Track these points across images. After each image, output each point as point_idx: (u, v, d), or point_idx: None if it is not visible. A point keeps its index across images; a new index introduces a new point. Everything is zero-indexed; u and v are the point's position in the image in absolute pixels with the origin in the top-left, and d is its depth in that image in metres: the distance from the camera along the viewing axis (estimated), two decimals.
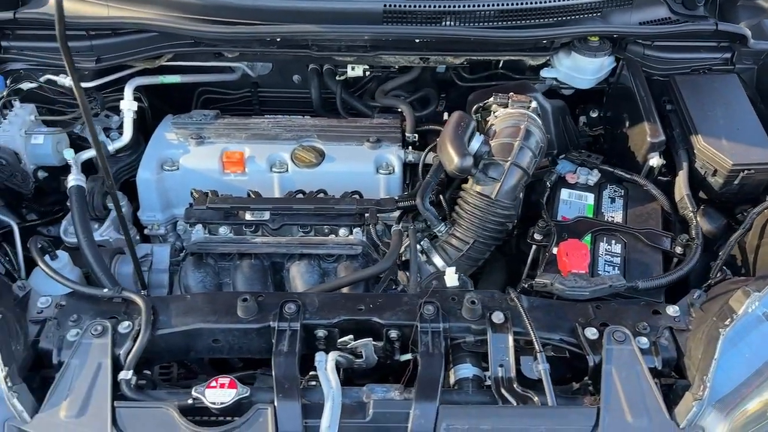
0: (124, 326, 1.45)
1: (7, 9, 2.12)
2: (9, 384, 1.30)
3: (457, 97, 2.37)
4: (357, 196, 1.95)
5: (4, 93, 2.00)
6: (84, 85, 2.08)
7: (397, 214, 1.95)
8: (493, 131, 1.87)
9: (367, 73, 2.31)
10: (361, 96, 2.43)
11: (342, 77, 2.35)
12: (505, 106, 1.94)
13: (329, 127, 2.18)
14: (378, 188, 2.05)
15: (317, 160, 2.04)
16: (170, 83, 2.23)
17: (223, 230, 1.92)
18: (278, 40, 1.98)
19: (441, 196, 1.97)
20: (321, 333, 1.48)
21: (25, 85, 2.05)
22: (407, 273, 1.86)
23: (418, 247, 1.87)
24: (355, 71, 2.26)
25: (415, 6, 1.97)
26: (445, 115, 2.25)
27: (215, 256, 1.87)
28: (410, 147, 2.12)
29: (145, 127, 2.26)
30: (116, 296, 1.51)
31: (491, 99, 1.98)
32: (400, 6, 1.96)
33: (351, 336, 1.45)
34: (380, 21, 1.98)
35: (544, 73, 2.22)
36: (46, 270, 1.61)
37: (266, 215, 1.90)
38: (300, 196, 1.97)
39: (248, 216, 1.91)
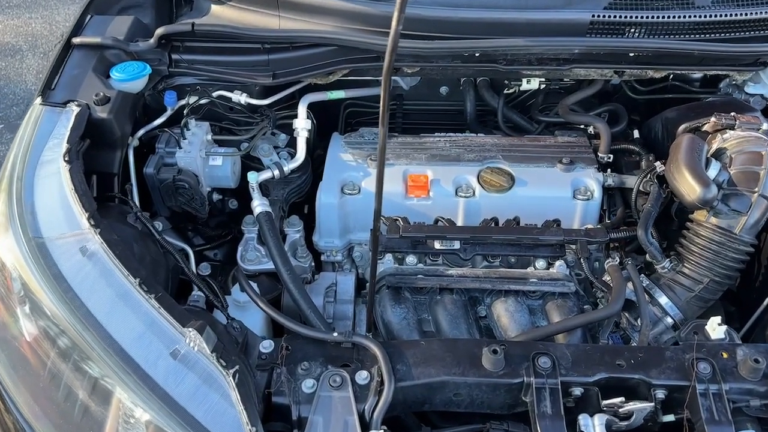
0: (362, 377, 1.31)
1: (167, 23, 2.02)
2: None
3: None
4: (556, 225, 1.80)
5: (186, 110, 1.89)
6: (258, 102, 1.97)
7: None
8: (728, 157, 1.67)
9: (542, 86, 2.15)
10: (520, 110, 2.27)
11: (511, 90, 2.18)
12: (732, 127, 1.75)
13: (513, 147, 2.01)
14: (574, 215, 1.88)
15: (508, 184, 1.88)
16: (336, 99, 2.09)
17: (411, 259, 1.79)
18: (477, 55, 1.82)
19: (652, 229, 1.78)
20: (578, 391, 1.31)
21: (197, 101, 1.94)
22: (625, 314, 1.69)
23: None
24: (531, 84, 2.10)
25: (623, 17, 1.79)
26: (635, 133, 2.09)
27: (411, 289, 1.73)
28: (609, 169, 1.94)
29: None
30: (347, 341, 1.37)
31: (713, 119, 1.79)
32: (608, 17, 1.79)
33: (622, 399, 1.28)
34: (584, 33, 1.82)
35: (750, 89, 2.02)
36: (270, 312, 1.48)
37: (456, 244, 1.77)
38: (493, 224, 1.82)
39: (437, 245, 1.77)
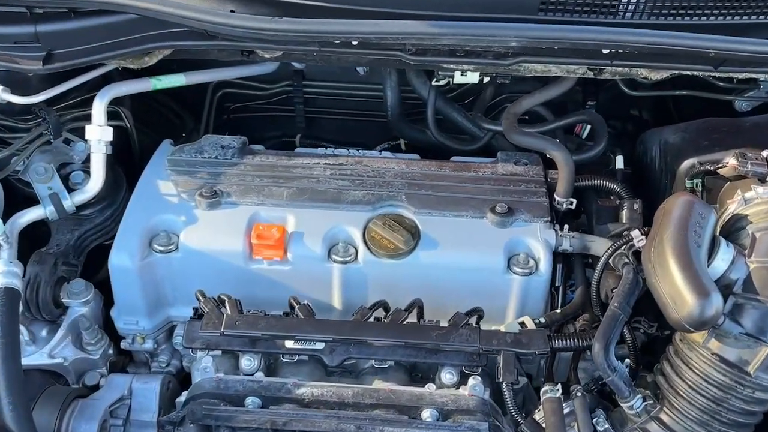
0: None
1: None
2: None
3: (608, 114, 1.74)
4: (476, 322, 1.32)
5: None
6: (21, 100, 1.40)
7: None
8: (749, 235, 1.14)
9: (486, 79, 1.61)
10: (465, 106, 1.80)
11: (441, 82, 1.66)
12: (763, 179, 1.21)
13: (425, 180, 1.51)
14: (508, 297, 1.40)
15: (407, 246, 1.38)
16: (170, 88, 1.58)
17: (248, 363, 1.32)
18: (354, 43, 1.27)
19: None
20: None
21: None
22: None
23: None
24: (467, 77, 1.56)
25: None
26: (618, 161, 1.57)
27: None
28: (566, 227, 1.42)
29: (129, 158, 1.65)
30: None
31: (732, 162, 1.25)
32: None
33: None
34: (535, 11, 1.26)
35: None
36: None
37: (319, 343, 1.31)
38: (380, 315, 1.34)
39: (290, 343, 1.31)
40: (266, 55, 1.44)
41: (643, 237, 1.26)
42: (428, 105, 1.73)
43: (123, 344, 1.45)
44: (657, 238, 1.15)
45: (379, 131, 1.92)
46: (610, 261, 1.32)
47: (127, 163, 1.62)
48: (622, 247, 1.30)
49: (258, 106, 1.95)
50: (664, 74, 1.41)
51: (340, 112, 1.95)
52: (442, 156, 1.75)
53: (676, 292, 1.08)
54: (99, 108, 1.44)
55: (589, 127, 1.74)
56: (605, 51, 1.27)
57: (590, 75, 1.45)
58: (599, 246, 1.39)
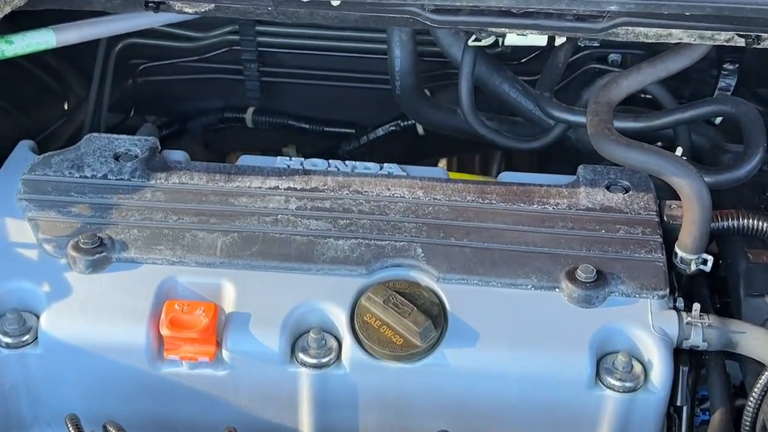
0: None
1: None
2: None
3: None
4: None
5: None
6: None
7: None
8: None
9: (559, 39, 1.45)
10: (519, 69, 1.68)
11: (485, 41, 1.44)
12: None
13: (456, 218, 1.30)
14: (596, 426, 1.19)
15: (424, 341, 1.17)
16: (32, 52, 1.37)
17: None
18: (335, 4, 1.07)
19: None
20: None
21: None
22: None
23: None
24: (527, 38, 1.37)
25: None
26: None
27: None
28: (696, 306, 1.17)
29: None
30: None
31: None
32: None
33: None
34: None
35: None
36: None
37: None
38: None
39: None
40: (187, 9, 1.18)
41: None
42: (462, 73, 1.51)
43: None
44: None
45: (378, 104, 1.78)
46: None
47: None
48: None
49: (185, 65, 1.84)
50: None
51: (316, 75, 1.84)
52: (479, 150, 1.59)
53: None
54: None
55: None
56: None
57: (739, 42, 1.17)
58: (754, 342, 1.11)
